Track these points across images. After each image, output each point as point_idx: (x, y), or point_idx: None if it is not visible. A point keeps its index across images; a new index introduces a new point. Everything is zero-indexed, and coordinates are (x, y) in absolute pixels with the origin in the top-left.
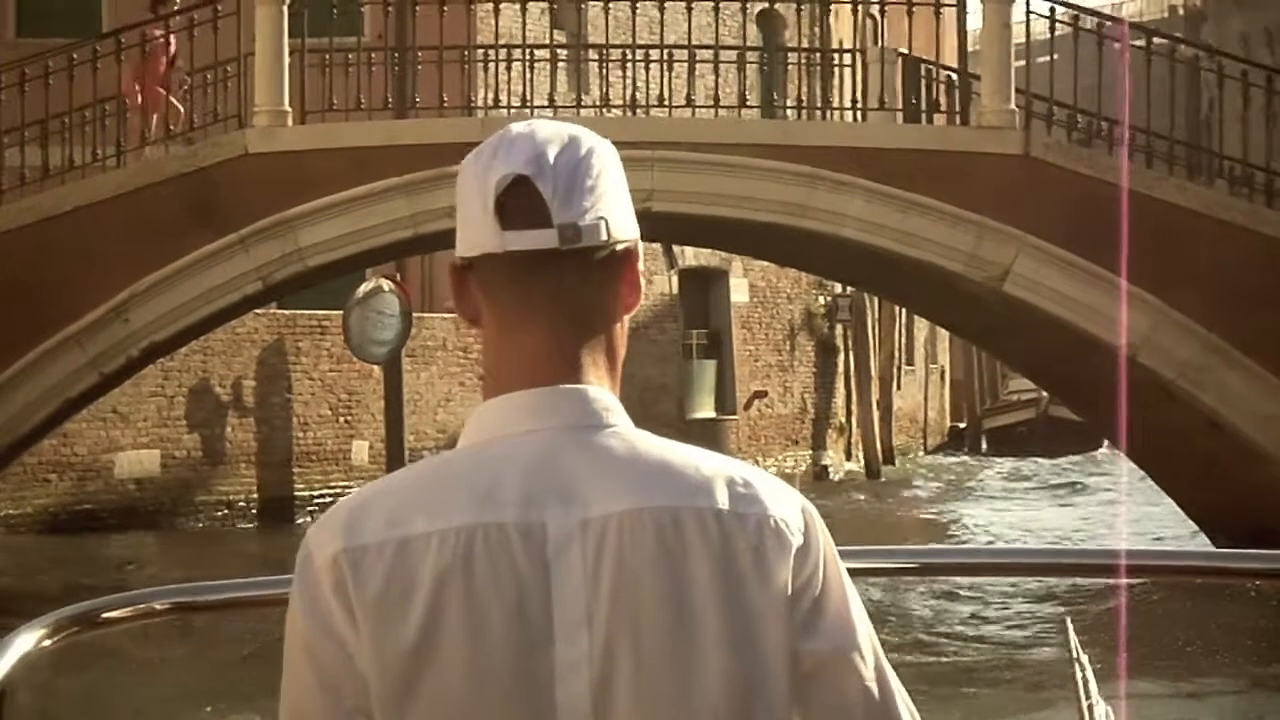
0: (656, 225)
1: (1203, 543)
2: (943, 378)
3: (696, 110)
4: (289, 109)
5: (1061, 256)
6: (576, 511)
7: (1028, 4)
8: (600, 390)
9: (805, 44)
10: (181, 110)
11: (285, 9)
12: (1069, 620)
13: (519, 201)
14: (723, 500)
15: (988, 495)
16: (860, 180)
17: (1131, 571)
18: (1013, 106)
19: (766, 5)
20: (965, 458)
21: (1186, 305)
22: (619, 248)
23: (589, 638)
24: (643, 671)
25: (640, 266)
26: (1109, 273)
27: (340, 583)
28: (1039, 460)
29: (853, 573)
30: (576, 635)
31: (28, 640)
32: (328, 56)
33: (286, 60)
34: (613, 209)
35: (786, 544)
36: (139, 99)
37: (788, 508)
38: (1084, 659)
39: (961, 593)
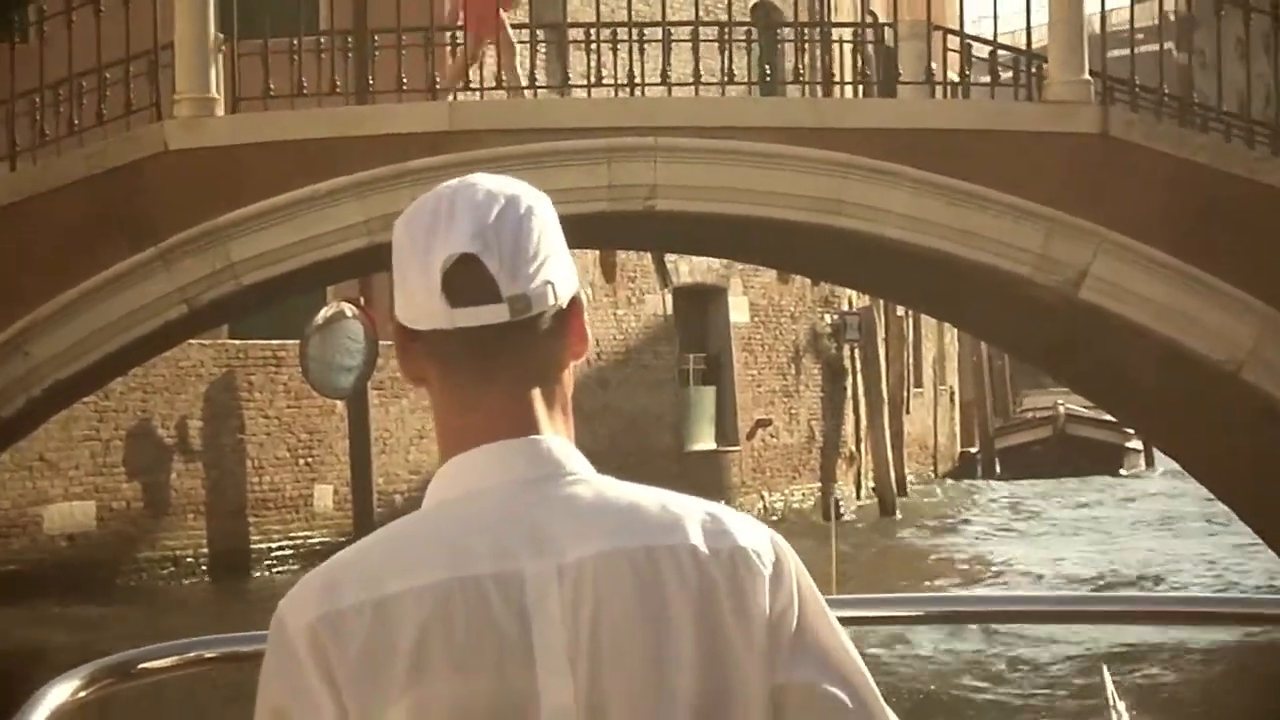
0: (660, 228)
1: None
2: (952, 399)
3: (703, 89)
4: (218, 96)
5: (1148, 255)
6: (551, 558)
7: None
8: (560, 440)
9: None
10: (516, 47)
11: None
12: (1106, 668)
13: (467, 278)
14: (695, 536)
15: None
16: (905, 168)
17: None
18: (1087, 77)
19: None
20: (986, 483)
21: None
22: (565, 303)
23: (573, 683)
24: (629, 712)
25: (585, 316)
26: (1207, 274)
27: (319, 648)
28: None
29: (884, 620)
30: (561, 682)
31: (62, 692)
32: (267, 43)
33: (213, 32)
34: (556, 269)
35: (759, 574)
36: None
37: (758, 539)
38: (1120, 706)
39: (996, 636)
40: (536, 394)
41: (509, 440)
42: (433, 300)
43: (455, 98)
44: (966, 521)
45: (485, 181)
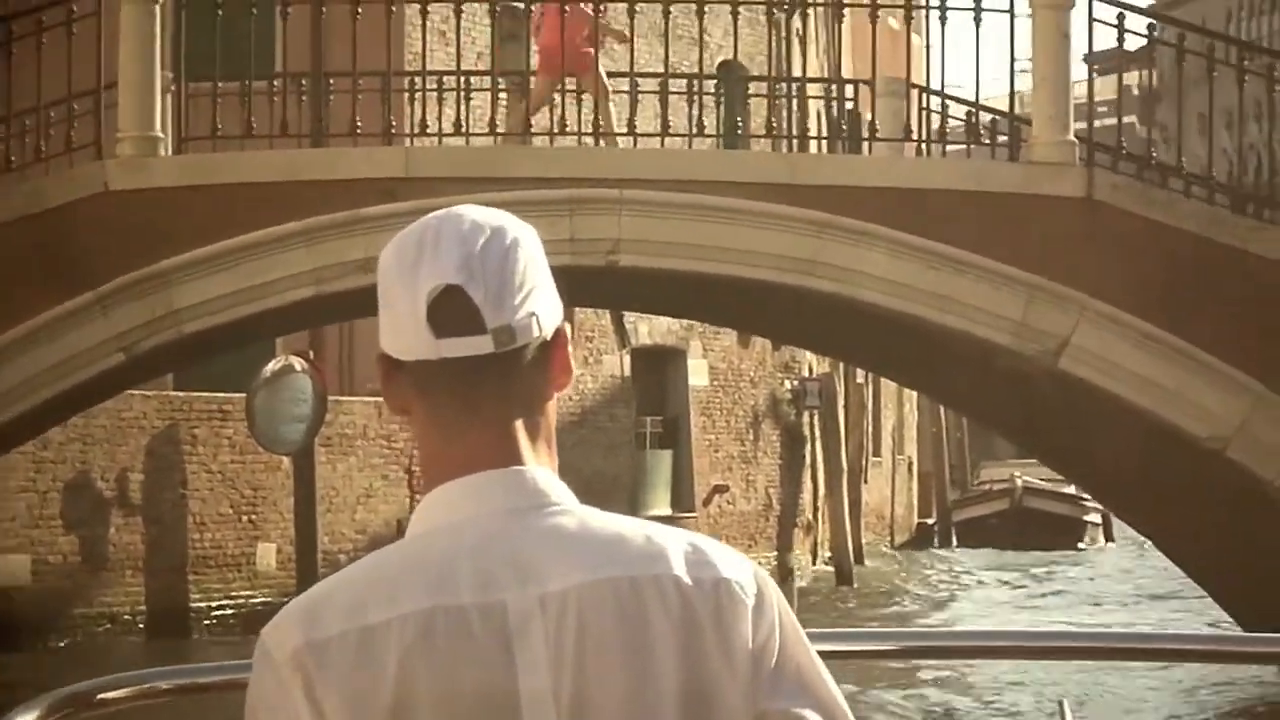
0: (621, 285)
1: None
2: (910, 469)
3: (671, 140)
4: (162, 135)
5: (1133, 325)
6: (534, 588)
7: (1090, 11)
8: (544, 471)
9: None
10: (610, 88)
11: (157, 7)
12: (1065, 702)
13: (452, 309)
14: (678, 567)
15: None
16: (882, 229)
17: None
18: (1071, 138)
19: (728, 57)
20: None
21: None
22: (549, 335)
23: (556, 713)
24: None
25: (569, 349)
26: (1193, 346)
27: (304, 676)
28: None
29: (851, 654)
30: (545, 711)
31: None
32: (217, 84)
33: (159, 71)
34: (541, 301)
35: (742, 604)
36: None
37: (740, 570)
38: None
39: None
40: (520, 425)
41: (492, 471)
42: (418, 331)
43: (411, 143)
44: (929, 593)
45: (471, 212)
